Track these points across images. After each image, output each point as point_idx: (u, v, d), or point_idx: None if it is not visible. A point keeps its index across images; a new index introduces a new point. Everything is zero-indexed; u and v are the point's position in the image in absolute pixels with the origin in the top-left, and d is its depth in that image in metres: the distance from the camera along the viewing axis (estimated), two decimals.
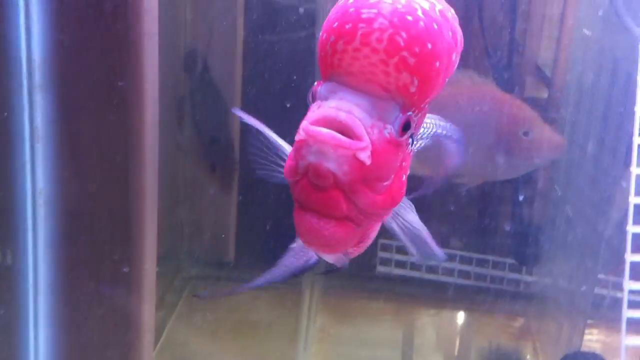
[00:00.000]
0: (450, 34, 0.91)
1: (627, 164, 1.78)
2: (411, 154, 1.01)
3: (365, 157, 0.88)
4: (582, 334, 2.39)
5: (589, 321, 2.48)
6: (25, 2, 1.68)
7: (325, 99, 0.91)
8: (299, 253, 1.37)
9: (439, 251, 1.24)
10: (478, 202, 2.80)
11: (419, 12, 0.89)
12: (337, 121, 0.88)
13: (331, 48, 0.90)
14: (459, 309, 2.92)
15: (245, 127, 1.33)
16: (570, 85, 2.50)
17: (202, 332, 2.63)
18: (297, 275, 1.40)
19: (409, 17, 0.88)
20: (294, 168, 0.92)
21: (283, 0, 2.63)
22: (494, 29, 2.60)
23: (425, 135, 1.18)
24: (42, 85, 1.73)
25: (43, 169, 1.78)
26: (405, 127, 0.93)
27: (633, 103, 1.73)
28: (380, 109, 0.90)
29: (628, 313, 1.83)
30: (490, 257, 2.88)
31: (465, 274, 2.88)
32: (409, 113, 0.92)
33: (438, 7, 0.91)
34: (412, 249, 1.22)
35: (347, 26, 0.89)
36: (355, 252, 1.15)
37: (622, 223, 1.86)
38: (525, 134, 2.35)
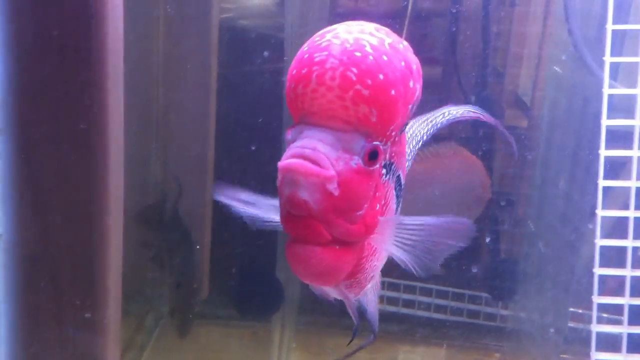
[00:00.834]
0: (402, 63, 0.98)
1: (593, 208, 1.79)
2: (387, 184, 1.06)
3: (332, 187, 0.95)
4: None
5: (561, 355, 2.47)
6: None
7: (294, 140, 0.98)
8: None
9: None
10: None
11: (367, 48, 0.97)
12: (304, 157, 0.95)
13: (293, 93, 0.98)
14: (435, 345, 2.89)
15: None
16: (542, 121, 2.51)
17: None
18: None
19: (358, 54, 0.96)
20: (280, 207, 1.00)
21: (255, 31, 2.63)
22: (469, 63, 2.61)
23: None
24: (2, 129, 1.69)
25: (3, 214, 1.73)
26: (372, 155, 0.98)
27: (598, 146, 1.74)
28: (345, 141, 0.97)
29: (597, 328, 1.83)
30: (467, 292, 2.86)
31: (441, 309, 2.86)
32: (375, 143, 0.98)
33: (388, 40, 0.99)
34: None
35: (303, 71, 0.97)
36: (356, 289, 1.18)
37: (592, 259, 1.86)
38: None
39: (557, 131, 2.37)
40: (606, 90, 1.77)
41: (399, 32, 1.07)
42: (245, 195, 1.25)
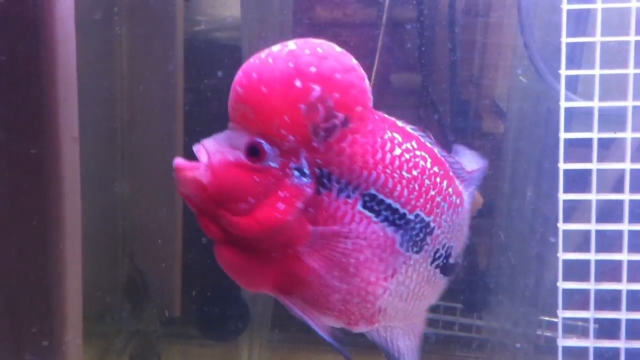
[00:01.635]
0: (290, 64, 1.01)
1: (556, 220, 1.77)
2: (303, 187, 1.04)
3: (200, 175, 1.02)
4: None
5: None
6: None
7: None
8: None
9: None
10: None
11: (263, 55, 1.04)
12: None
13: None
14: None
15: None
16: (509, 130, 2.49)
17: None
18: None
19: (253, 60, 1.05)
20: None
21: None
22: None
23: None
24: None
25: None
26: (252, 151, 1.03)
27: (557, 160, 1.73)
28: (233, 138, 1.05)
29: (563, 342, 1.81)
30: (441, 303, 2.84)
31: None
32: (257, 139, 1.03)
33: (292, 48, 1.03)
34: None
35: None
36: (344, 316, 1.16)
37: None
38: None
39: (523, 141, 2.36)
40: (562, 104, 1.75)
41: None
42: None
